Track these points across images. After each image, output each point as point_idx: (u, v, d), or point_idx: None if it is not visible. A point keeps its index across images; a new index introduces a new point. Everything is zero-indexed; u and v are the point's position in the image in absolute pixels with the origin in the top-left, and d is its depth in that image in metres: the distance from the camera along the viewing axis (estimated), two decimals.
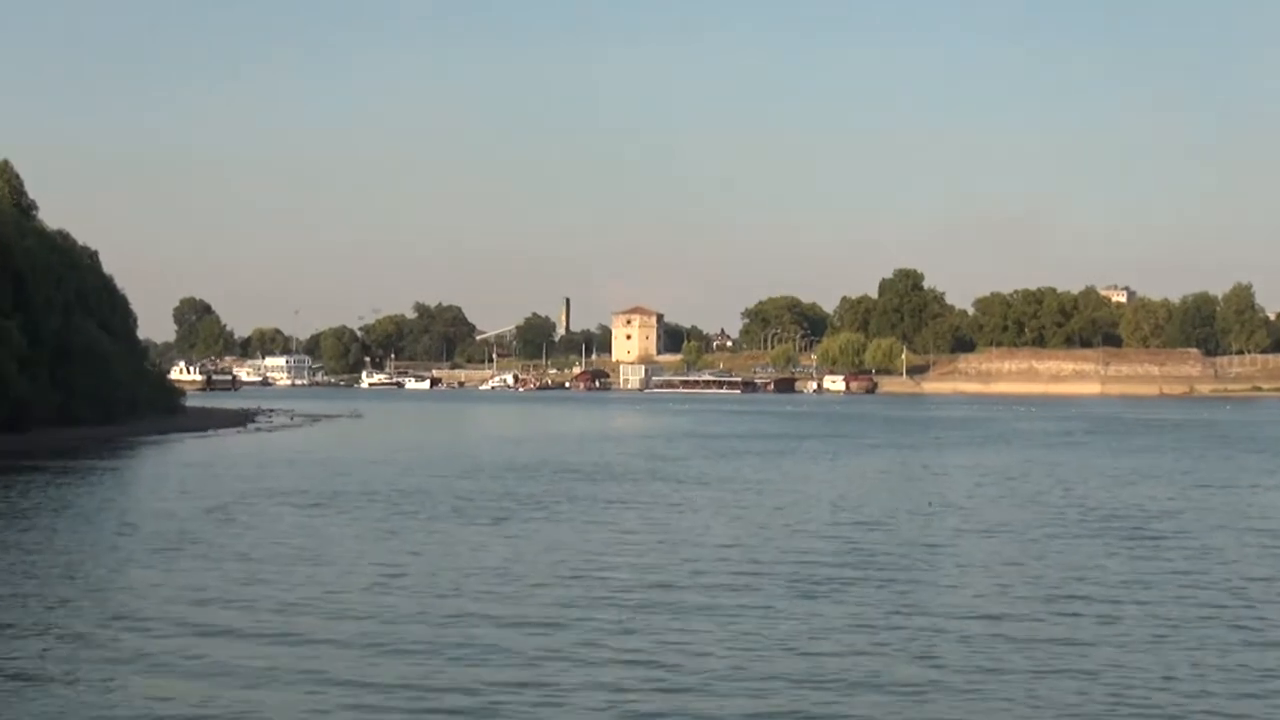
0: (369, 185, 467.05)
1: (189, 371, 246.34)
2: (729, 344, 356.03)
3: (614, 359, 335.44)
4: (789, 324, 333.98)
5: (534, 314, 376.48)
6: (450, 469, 57.91)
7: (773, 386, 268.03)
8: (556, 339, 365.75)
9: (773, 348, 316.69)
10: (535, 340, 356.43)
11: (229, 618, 23.31)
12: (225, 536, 34.48)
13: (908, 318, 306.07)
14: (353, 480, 51.40)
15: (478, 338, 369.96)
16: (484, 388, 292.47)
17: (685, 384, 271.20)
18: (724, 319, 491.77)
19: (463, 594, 25.76)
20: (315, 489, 47.75)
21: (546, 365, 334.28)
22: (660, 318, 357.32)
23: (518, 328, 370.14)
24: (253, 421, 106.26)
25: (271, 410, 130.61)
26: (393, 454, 68.72)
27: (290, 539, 34.04)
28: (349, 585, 26.69)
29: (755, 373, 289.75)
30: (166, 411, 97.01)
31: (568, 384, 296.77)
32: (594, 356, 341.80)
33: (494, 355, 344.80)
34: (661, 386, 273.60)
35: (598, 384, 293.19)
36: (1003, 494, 48.27)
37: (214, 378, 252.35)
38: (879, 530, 36.64)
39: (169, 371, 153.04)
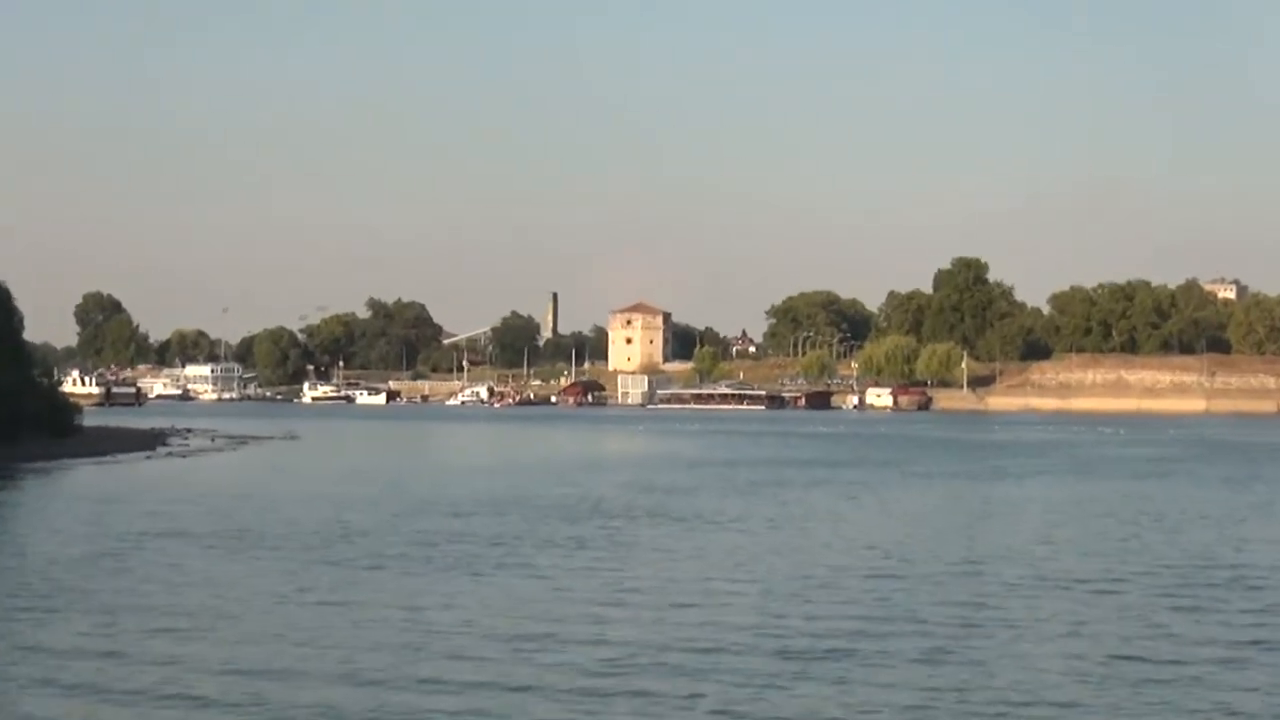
0: (314, 160, 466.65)
1: (84, 383, 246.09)
2: (751, 349, 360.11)
3: (611, 368, 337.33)
4: (824, 325, 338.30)
5: (514, 313, 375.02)
6: (401, 504, 57.27)
7: (804, 402, 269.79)
8: (541, 343, 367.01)
9: (804, 354, 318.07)
10: (515, 345, 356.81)
11: (97, 711, 22.30)
12: (111, 591, 33.64)
13: (969, 318, 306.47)
14: (278, 519, 50.65)
15: (445, 342, 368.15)
16: (452, 403, 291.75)
17: (697, 398, 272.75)
18: (745, 319, 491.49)
19: (391, 676, 24.76)
20: (231, 529, 47.00)
21: (529, 375, 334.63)
22: (667, 318, 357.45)
23: (494, 330, 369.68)
24: (165, 444, 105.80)
25: (189, 430, 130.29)
26: (332, 485, 68.02)
27: (191, 594, 33.18)
28: (250, 662, 25.68)
29: (783, 384, 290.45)
30: (58, 431, 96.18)
31: (554, 398, 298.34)
32: (587, 365, 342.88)
33: (464, 363, 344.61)
34: (669, 401, 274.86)
35: (590, 398, 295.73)
36: (1082, 538, 47.39)
37: (114, 390, 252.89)
38: (927, 585, 35.73)
39: (63, 382, 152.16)
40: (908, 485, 72.85)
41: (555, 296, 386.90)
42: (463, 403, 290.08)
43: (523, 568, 38.61)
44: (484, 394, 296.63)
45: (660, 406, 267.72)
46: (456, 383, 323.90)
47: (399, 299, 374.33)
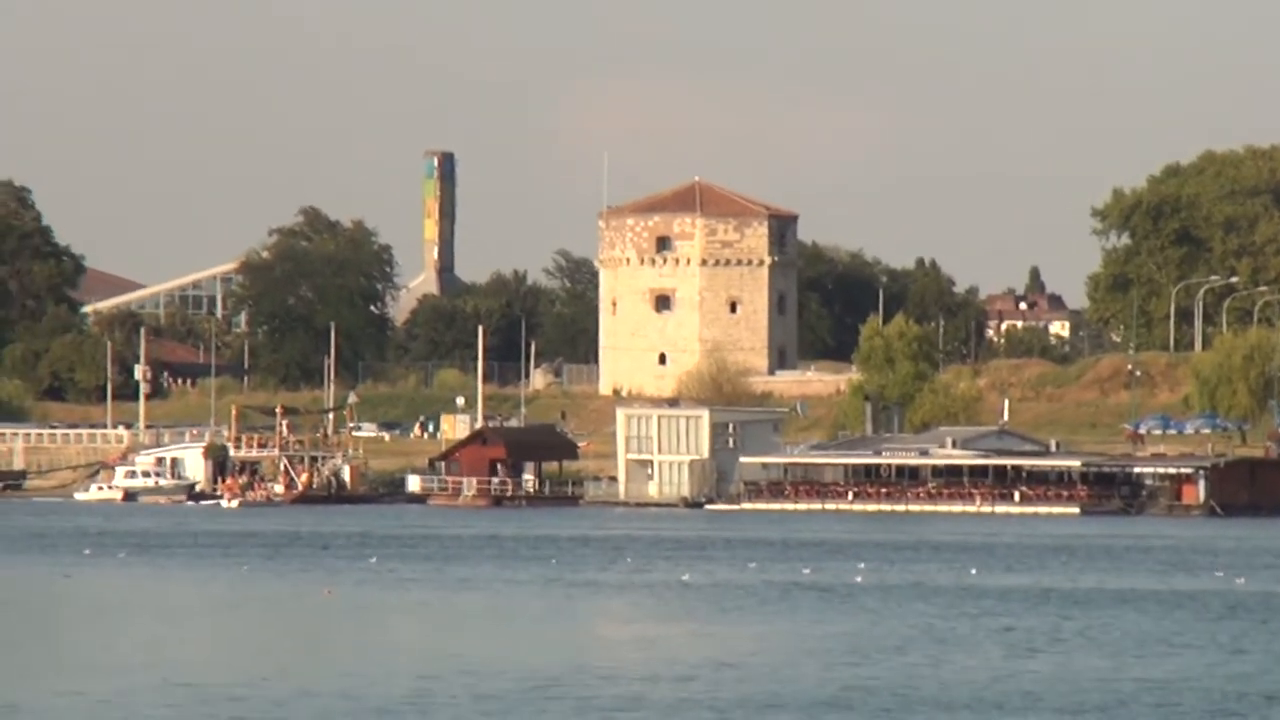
0: None
1: None
2: (1055, 329, 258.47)
3: (605, 386, 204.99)
4: None
5: (309, 212, 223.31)
6: None
7: (1205, 492, 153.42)
8: (393, 305, 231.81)
9: (1224, 337, 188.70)
10: (312, 316, 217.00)
11: None
12: None
13: None
14: None
15: (90, 309, 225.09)
16: (90, 494, 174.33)
17: (868, 480, 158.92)
18: (1037, 242, 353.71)
19: None
20: None
21: (344, 406, 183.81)
22: (782, 229, 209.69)
23: (246, 267, 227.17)
24: None
25: None
26: None
27: None
28: None
29: (1138, 436, 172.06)
30: None
31: (419, 479, 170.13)
32: (535, 377, 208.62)
33: (139, 368, 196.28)
34: (775, 492, 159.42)
35: (535, 481, 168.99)
36: None
37: None
38: None
39: None
40: None
41: (446, 165, 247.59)
42: (126, 494, 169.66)
43: None
44: (190, 469, 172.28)
45: (749, 507, 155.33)
46: (117, 432, 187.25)
47: None
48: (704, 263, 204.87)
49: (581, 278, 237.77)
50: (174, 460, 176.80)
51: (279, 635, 63.61)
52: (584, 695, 43.77)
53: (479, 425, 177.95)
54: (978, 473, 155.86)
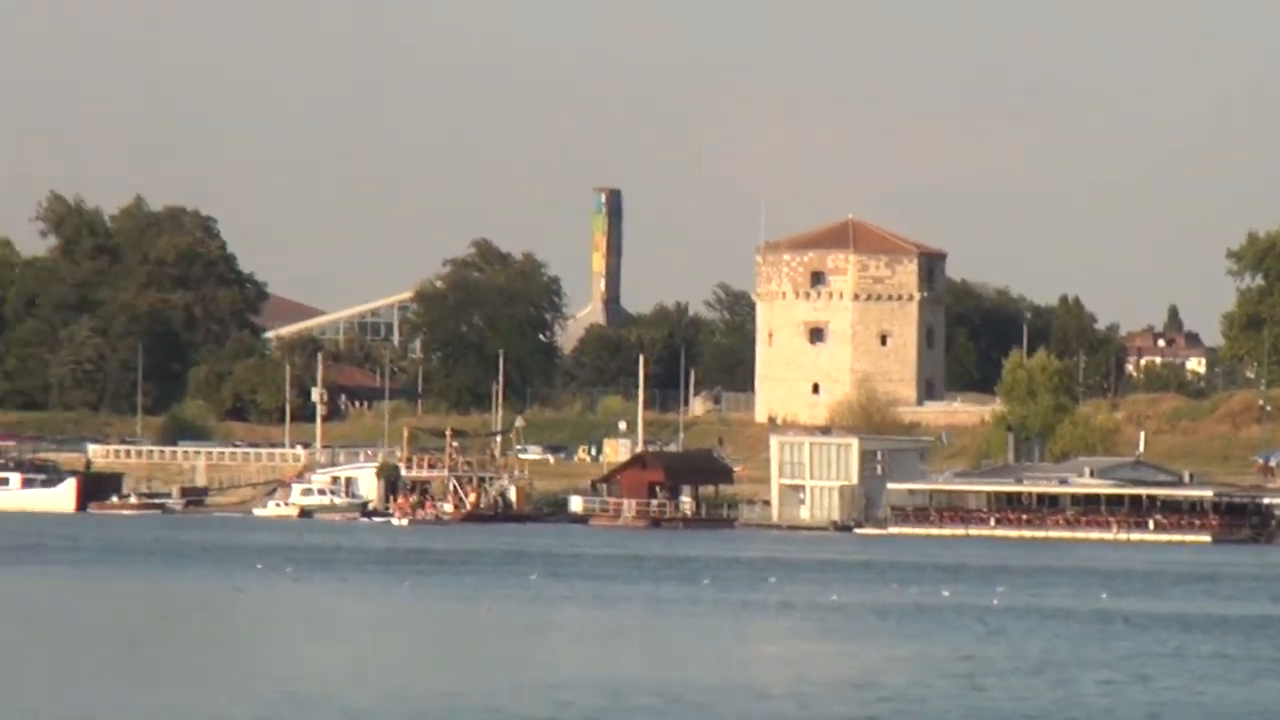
0: None
1: None
2: (1191, 366, 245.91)
3: (761, 413, 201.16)
4: None
5: (481, 244, 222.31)
6: None
7: None
8: (559, 334, 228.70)
9: None
10: (483, 345, 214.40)
11: None
12: None
13: None
14: None
15: (272, 334, 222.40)
16: (268, 510, 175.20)
17: (1010, 505, 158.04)
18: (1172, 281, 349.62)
19: None
20: None
21: (512, 429, 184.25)
22: (930, 266, 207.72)
23: (421, 296, 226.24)
24: None
25: None
26: None
27: None
28: None
29: (1271, 468, 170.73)
30: None
31: (581, 501, 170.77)
32: (696, 402, 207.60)
33: (316, 390, 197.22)
34: (919, 518, 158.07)
35: (692, 503, 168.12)
36: None
37: None
38: None
39: None
40: None
41: (613, 201, 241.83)
42: (302, 511, 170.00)
43: None
44: (364, 488, 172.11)
45: (896, 531, 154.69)
46: (295, 451, 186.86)
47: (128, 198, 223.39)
48: (856, 297, 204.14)
49: (740, 310, 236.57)
50: (348, 479, 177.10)
51: (434, 652, 61.50)
52: (726, 711, 43.16)
53: (639, 449, 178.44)
54: (1114, 501, 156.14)
